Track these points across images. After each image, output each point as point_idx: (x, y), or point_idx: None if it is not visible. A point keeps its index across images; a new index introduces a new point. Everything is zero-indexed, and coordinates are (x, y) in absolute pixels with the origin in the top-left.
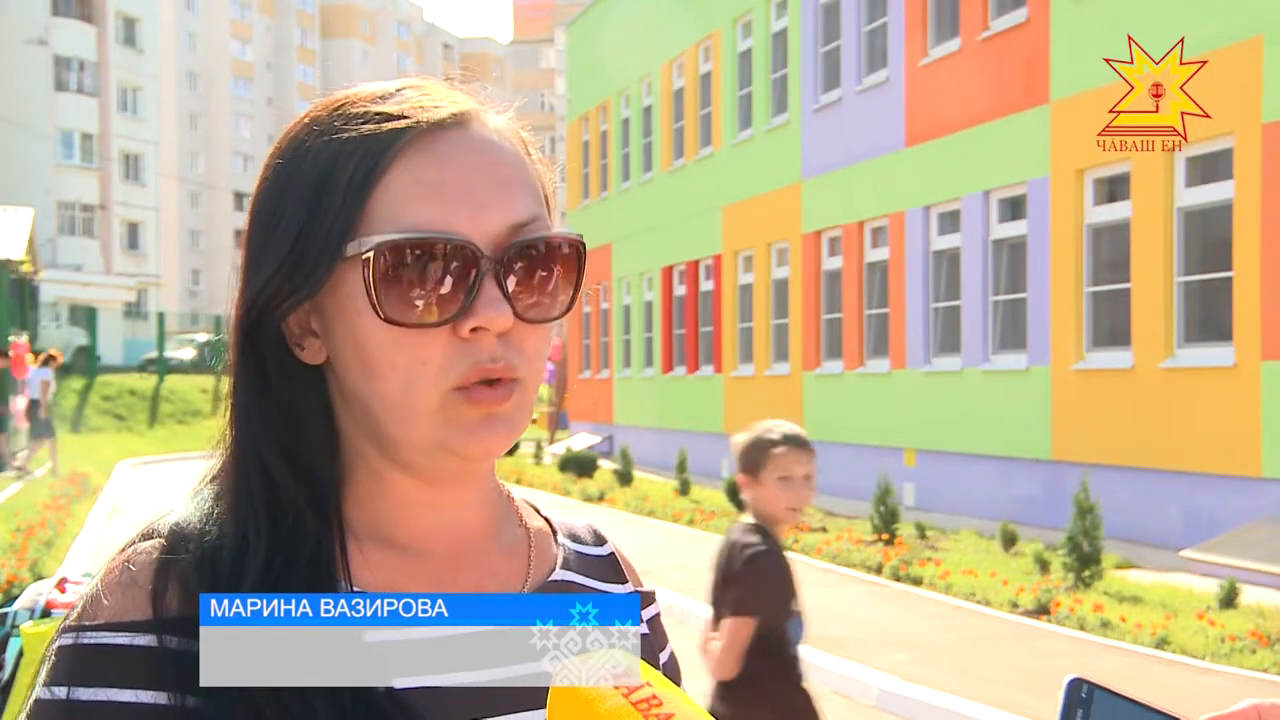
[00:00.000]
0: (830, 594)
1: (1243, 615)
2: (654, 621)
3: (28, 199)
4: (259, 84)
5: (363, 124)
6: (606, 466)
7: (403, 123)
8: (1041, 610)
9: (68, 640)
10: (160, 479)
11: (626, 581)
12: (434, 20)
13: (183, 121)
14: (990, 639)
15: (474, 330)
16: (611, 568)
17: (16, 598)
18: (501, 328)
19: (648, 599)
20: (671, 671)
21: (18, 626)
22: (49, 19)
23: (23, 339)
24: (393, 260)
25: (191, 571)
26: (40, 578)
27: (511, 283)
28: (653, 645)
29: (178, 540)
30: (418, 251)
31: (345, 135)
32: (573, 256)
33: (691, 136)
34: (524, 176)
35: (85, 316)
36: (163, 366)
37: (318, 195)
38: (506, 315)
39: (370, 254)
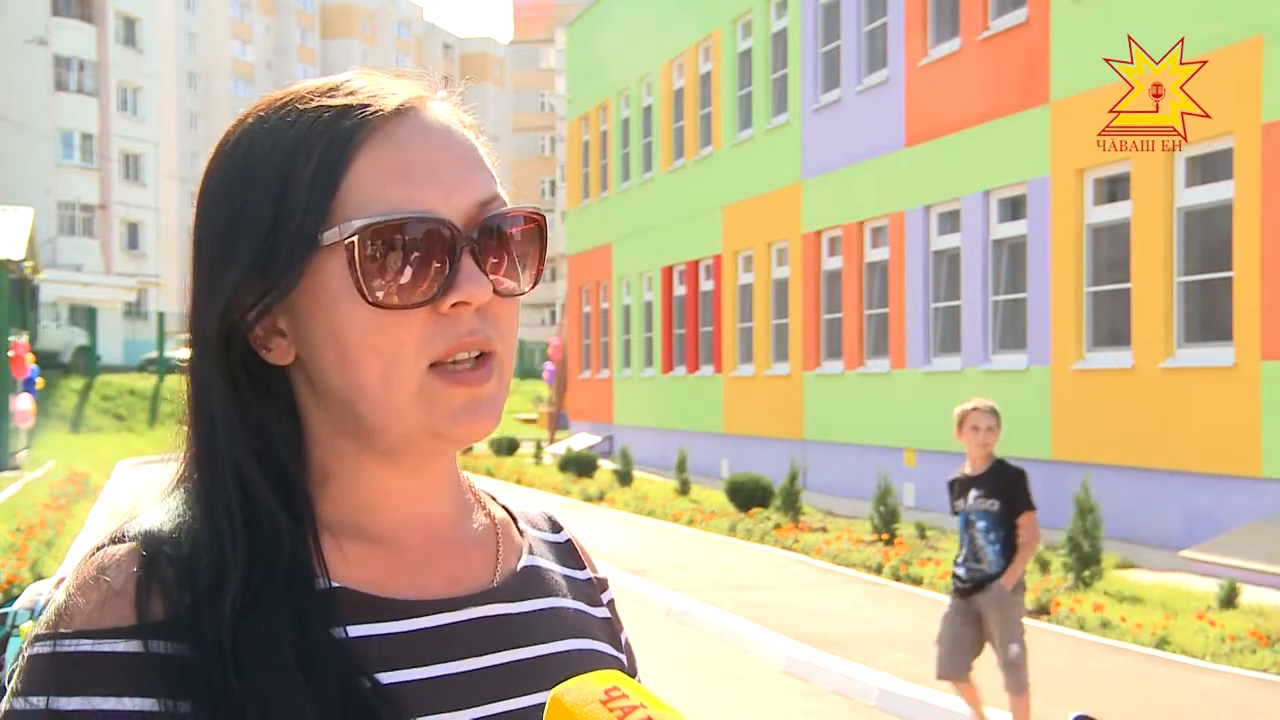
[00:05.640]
0: (830, 594)
1: (1243, 615)
2: (611, 606)
3: (28, 199)
4: (259, 84)
5: (318, 116)
6: (606, 466)
7: (363, 112)
8: (1041, 610)
9: (44, 649)
10: (161, 479)
11: (585, 567)
12: (434, 20)
13: (183, 121)
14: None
15: (454, 306)
16: (570, 553)
17: (16, 598)
18: (482, 301)
19: (603, 584)
20: (629, 654)
21: (18, 626)
22: (49, 19)
23: (23, 339)
24: (376, 242)
25: (171, 576)
26: (40, 578)
27: (485, 259)
28: (614, 628)
29: (152, 545)
30: (399, 232)
31: (301, 129)
32: (536, 231)
33: (691, 136)
34: (479, 157)
35: (85, 316)
36: (163, 366)
37: (283, 190)
38: (486, 289)
39: (355, 238)
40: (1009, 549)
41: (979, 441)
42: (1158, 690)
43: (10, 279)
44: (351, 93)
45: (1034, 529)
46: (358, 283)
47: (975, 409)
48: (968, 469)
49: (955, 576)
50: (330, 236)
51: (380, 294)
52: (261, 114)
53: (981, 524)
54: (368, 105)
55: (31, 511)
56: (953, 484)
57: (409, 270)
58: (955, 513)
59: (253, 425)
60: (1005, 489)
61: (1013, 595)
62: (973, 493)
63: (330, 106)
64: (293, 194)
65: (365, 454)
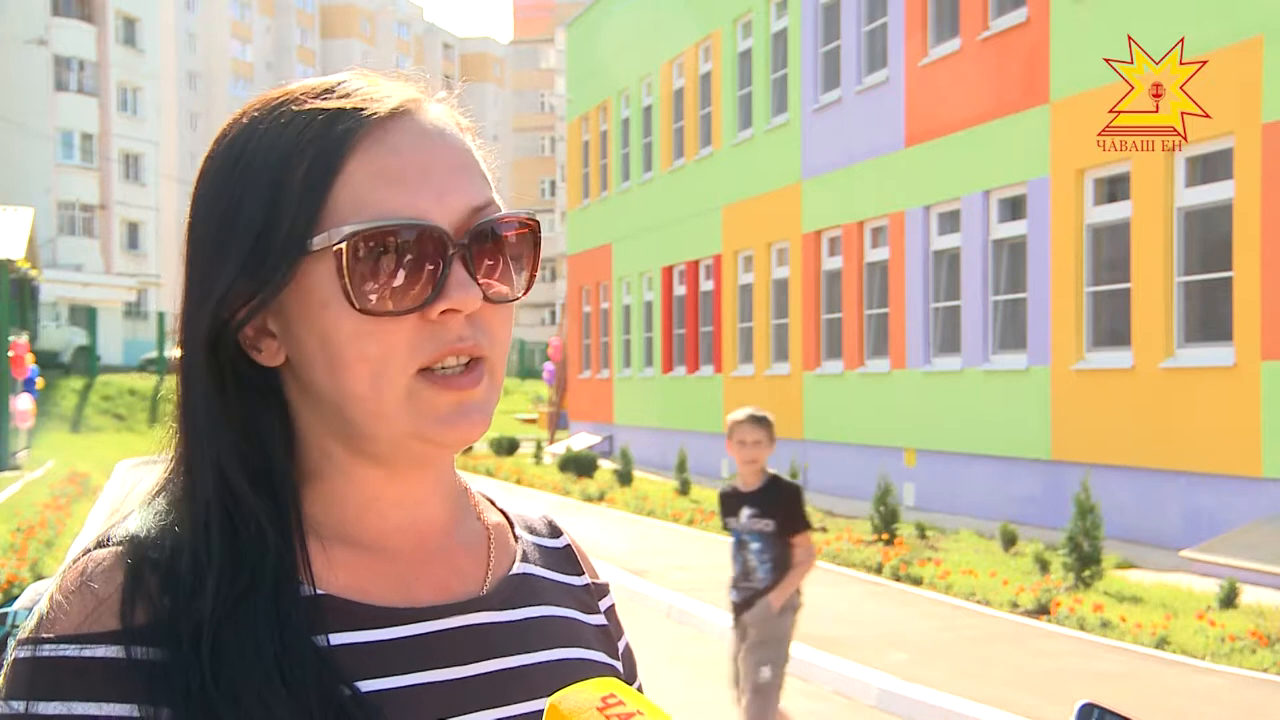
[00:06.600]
0: (830, 594)
1: (1243, 615)
2: (610, 612)
3: (28, 199)
4: (259, 84)
5: (312, 118)
6: (606, 466)
7: (356, 115)
8: (1041, 610)
9: (26, 653)
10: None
11: (583, 573)
12: (434, 20)
13: (183, 121)
14: (990, 639)
15: (444, 313)
16: (568, 559)
17: (16, 598)
18: (471, 308)
19: (602, 590)
20: (628, 661)
21: (18, 626)
22: (49, 19)
23: (23, 339)
24: (365, 249)
25: (154, 581)
26: (40, 578)
27: (476, 265)
28: (611, 635)
29: (137, 549)
30: (389, 239)
31: (294, 131)
32: (530, 237)
33: (691, 136)
34: (474, 161)
35: (85, 316)
36: (162, 366)
37: (274, 192)
38: (476, 296)
39: (343, 245)
40: (782, 569)
41: (747, 456)
42: (1158, 690)
43: (10, 279)
44: (346, 95)
45: (811, 549)
46: (345, 289)
47: (743, 421)
48: (739, 484)
49: (732, 604)
50: (320, 242)
51: (370, 300)
52: (256, 114)
53: (755, 545)
54: (362, 108)
55: (31, 511)
56: (725, 499)
57: (399, 276)
58: (727, 529)
59: (240, 427)
60: (780, 508)
61: (780, 616)
62: (745, 510)
63: (324, 109)
64: (285, 197)
65: (356, 458)
